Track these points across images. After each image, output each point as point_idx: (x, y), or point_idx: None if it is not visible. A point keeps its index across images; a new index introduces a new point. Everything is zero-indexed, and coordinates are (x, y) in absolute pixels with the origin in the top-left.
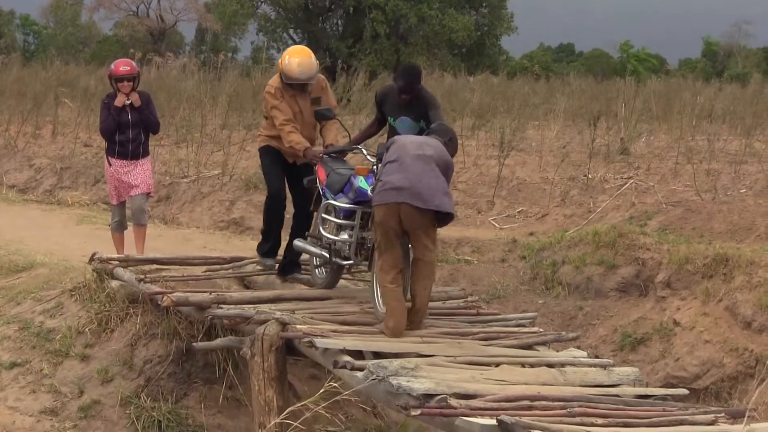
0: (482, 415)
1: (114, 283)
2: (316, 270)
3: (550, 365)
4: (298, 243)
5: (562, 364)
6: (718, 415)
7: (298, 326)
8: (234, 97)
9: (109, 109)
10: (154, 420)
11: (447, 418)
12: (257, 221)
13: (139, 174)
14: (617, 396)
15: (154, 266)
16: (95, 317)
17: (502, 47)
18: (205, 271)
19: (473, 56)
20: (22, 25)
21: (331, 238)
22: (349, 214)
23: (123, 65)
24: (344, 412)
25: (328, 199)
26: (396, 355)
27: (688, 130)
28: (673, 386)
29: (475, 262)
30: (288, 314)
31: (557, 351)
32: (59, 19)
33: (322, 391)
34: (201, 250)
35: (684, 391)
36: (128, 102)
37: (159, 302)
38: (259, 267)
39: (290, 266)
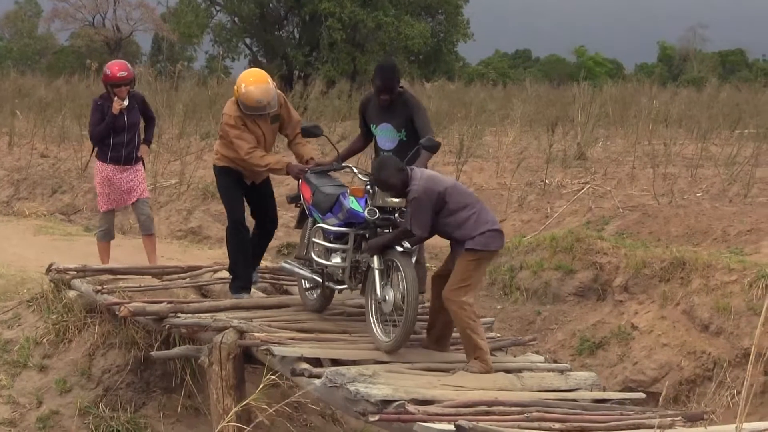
0: (440, 421)
1: (71, 294)
2: (306, 293)
3: (508, 370)
4: (286, 265)
5: (520, 369)
6: (676, 419)
7: (255, 334)
8: (190, 106)
9: (103, 112)
10: (113, 430)
11: (405, 423)
12: (215, 230)
13: (135, 179)
14: (575, 401)
15: (111, 276)
16: (53, 328)
17: (458, 54)
18: (162, 281)
19: (430, 63)
20: None
21: (322, 263)
22: (339, 236)
23: (120, 70)
24: (303, 419)
25: (316, 220)
26: (354, 362)
27: (644, 134)
28: (631, 390)
29: (433, 268)
30: (245, 322)
31: (515, 356)
32: (18, 30)
33: (261, 386)
34: (158, 260)
35: (642, 395)
36: (125, 105)
37: (116, 312)
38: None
39: (244, 289)
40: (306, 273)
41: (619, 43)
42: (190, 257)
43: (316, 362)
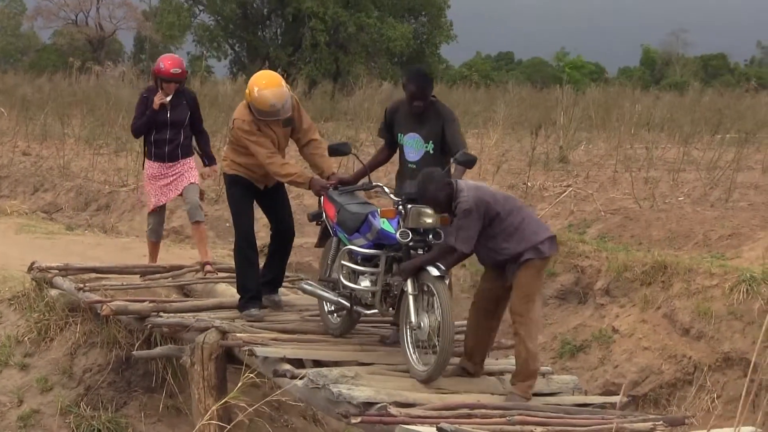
0: (422, 423)
1: (53, 292)
2: (329, 316)
3: (490, 373)
4: (307, 287)
5: (502, 372)
6: (657, 423)
7: (238, 334)
8: None
9: (146, 106)
10: (94, 429)
11: (387, 426)
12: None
13: (182, 171)
14: (556, 404)
15: (94, 275)
16: (34, 326)
17: (441, 56)
18: (144, 280)
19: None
20: None
21: (352, 287)
22: (368, 258)
23: (173, 66)
24: (284, 420)
25: (341, 240)
26: (336, 364)
27: (626, 138)
28: (612, 393)
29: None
30: (228, 322)
31: (497, 359)
32: (1, 27)
33: (240, 384)
34: (141, 259)
35: (623, 399)
36: (167, 101)
37: (98, 311)
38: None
39: (267, 285)
40: (331, 296)
41: (602, 46)
42: (172, 257)
43: (299, 363)
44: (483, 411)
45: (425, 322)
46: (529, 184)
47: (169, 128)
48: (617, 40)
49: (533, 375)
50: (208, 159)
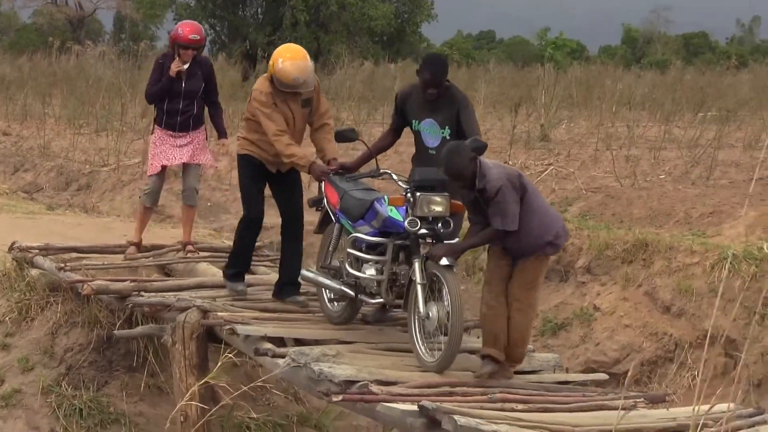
0: (403, 401)
1: (34, 272)
2: (329, 304)
3: (471, 351)
4: (308, 274)
5: None
6: (638, 400)
7: (219, 313)
8: None
9: (161, 72)
10: (76, 408)
11: (368, 404)
12: (178, 209)
13: (192, 142)
14: (538, 382)
15: (75, 255)
16: (15, 306)
17: (422, 35)
18: (125, 260)
19: (394, 44)
20: None
21: (357, 275)
22: (373, 246)
23: (192, 32)
24: (266, 399)
25: (344, 227)
26: (317, 342)
27: (607, 116)
28: (593, 371)
29: None
30: (209, 301)
31: (478, 337)
32: None
33: (219, 365)
34: (122, 239)
35: (604, 376)
36: (184, 68)
37: (79, 290)
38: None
39: (290, 287)
40: (334, 284)
41: (583, 25)
42: (153, 236)
43: (280, 342)
44: (464, 389)
45: (434, 312)
46: (510, 162)
47: (182, 98)
48: (598, 19)
49: (519, 360)
50: (220, 132)
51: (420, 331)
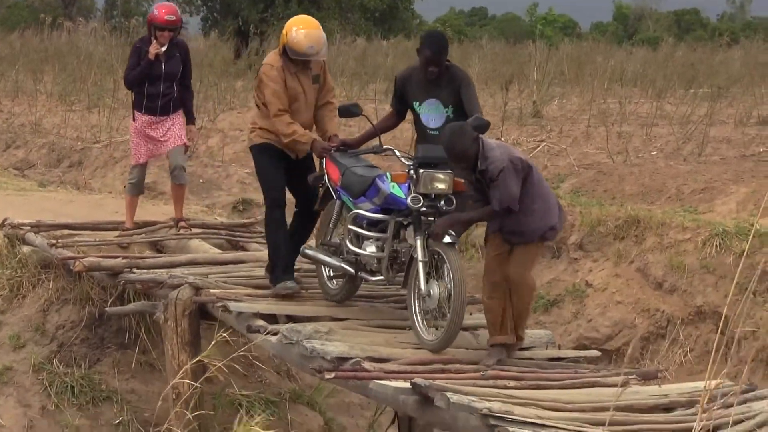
0: (396, 378)
1: (25, 249)
2: (328, 282)
3: (464, 328)
4: (308, 252)
5: (476, 327)
6: (630, 377)
7: (211, 290)
8: None
9: (140, 56)
10: (67, 386)
11: (361, 381)
12: (169, 186)
13: (170, 129)
14: (530, 359)
15: (66, 231)
16: (7, 283)
17: (415, 11)
18: (117, 236)
19: (386, 20)
20: None
21: (357, 252)
22: (374, 223)
23: (168, 13)
24: (258, 376)
25: (345, 204)
26: (310, 319)
27: (599, 93)
28: (585, 347)
29: None
30: (201, 278)
31: (470, 314)
32: None
33: (213, 343)
34: (113, 216)
35: (596, 353)
36: (162, 51)
37: (71, 267)
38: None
39: (284, 273)
40: (334, 261)
41: (575, 0)
42: (145, 213)
43: (272, 319)
44: (457, 366)
45: (435, 290)
46: (502, 139)
47: (162, 81)
48: None
49: (520, 339)
50: (189, 117)
51: (420, 308)
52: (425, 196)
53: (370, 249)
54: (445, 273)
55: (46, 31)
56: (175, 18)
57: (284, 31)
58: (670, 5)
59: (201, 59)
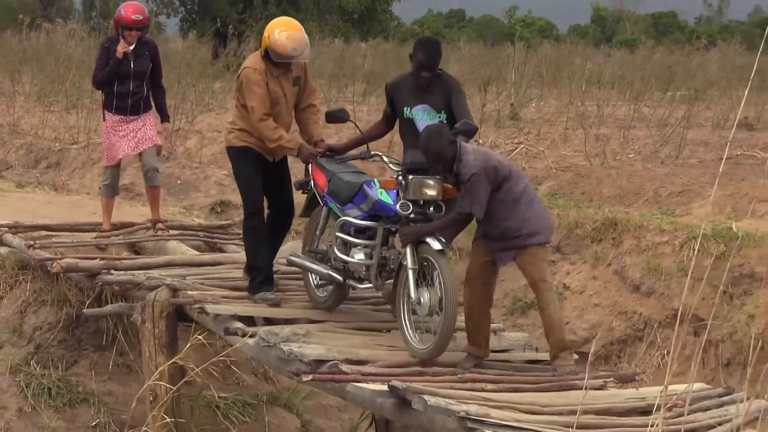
0: (373, 381)
1: (3, 250)
2: (316, 290)
3: None
4: (295, 259)
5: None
6: (607, 380)
7: (188, 292)
8: None
9: (108, 56)
10: (44, 387)
11: (338, 384)
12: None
13: (141, 129)
14: (507, 361)
15: (44, 233)
16: None
17: (393, 13)
18: (95, 238)
19: (364, 22)
20: None
21: (346, 259)
22: (362, 230)
23: (135, 12)
24: (235, 378)
25: (332, 210)
26: (287, 321)
27: (577, 95)
28: None
29: None
30: (179, 280)
31: None
32: None
33: (189, 345)
34: (91, 217)
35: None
36: (130, 49)
37: (49, 268)
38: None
39: (265, 282)
40: (321, 269)
41: (553, 3)
42: (123, 214)
43: (250, 321)
44: (434, 368)
45: (425, 297)
46: (480, 141)
47: (132, 80)
48: None
49: (561, 346)
50: (163, 116)
51: (409, 317)
52: (414, 202)
53: (359, 256)
54: (436, 280)
55: (24, 32)
56: (142, 17)
57: (266, 34)
58: (648, 8)
59: (179, 60)
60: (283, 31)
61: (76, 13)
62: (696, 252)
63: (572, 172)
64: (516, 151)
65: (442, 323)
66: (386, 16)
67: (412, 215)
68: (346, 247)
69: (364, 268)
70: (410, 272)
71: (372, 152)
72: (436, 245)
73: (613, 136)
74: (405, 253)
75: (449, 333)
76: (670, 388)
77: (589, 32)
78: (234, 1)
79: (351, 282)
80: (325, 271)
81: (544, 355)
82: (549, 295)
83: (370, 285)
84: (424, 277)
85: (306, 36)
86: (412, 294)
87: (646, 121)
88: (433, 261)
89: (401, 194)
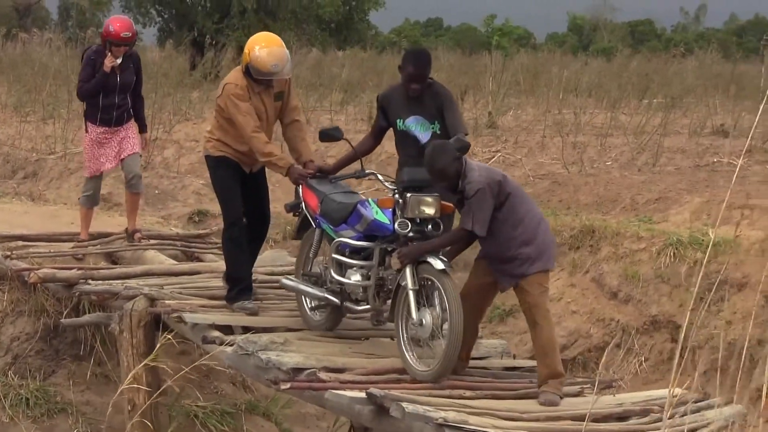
0: (351, 389)
1: None
2: (310, 312)
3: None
4: (289, 283)
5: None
6: (585, 386)
7: (166, 301)
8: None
9: (94, 68)
10: (22, 398)
11: (316, 391)
12: (124, 198)
13: (125, 139)
14: (485, 368)
15: (21, 243)
16: None
17: (370, 22)
18: (72, 248)
19: (342, 31)
20: None
21: (342, 281)
22: (357, 250)
23: (124, 30)
24: (214, 387)
25: (326, 232)
26: (265, 330)
27: (555, 103)
28: None
29: None
30: (156, 289)
31: None
32: None
33: (159, 346)
34: (69, 227)
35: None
36: (118, 63)
37: (26, 279)
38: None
39: (242, 291)
40: (317, 292)
41: (530, 10)
42: (100, 224)
43: (228, 330)
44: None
45: (427, 319)
46: None
47: (117, 93)
48: (545, 7)
49: (555, 373)
50: (141, 126)
51: (409, 338)
52: (411, 220)
53: (355, 278)
54: (437, 300)
55: (0, 43)
56: (130, 35)
57: (246, 50)
58: (625, 16)
59: (156, 70)
60: (264, 47)
61: (52, 23)
62: (673, 259)
63: (550, 179)
64: (494, 159)
65: (446, 346)
66: (363, 26)
67: (410, 234)
68: (342, 268)
69: (361, 290)
70: (411, 293)
71: (366, 170)
72: (438, 265)
73: (591, 144)
74: (404, 274)
75: (454, 356)
76: (648, 393)
77: (566, 41)
78: (211, 11)
79: (348, 304)
80: (321, 294)
81: (522, 362)
82: (545, 321)
83: (368, 306)
84: (423, 296)
85: (287, 51)
86: (414, 315)
87: (623, 129)
88: (436, 281)
89: (398, 212)
